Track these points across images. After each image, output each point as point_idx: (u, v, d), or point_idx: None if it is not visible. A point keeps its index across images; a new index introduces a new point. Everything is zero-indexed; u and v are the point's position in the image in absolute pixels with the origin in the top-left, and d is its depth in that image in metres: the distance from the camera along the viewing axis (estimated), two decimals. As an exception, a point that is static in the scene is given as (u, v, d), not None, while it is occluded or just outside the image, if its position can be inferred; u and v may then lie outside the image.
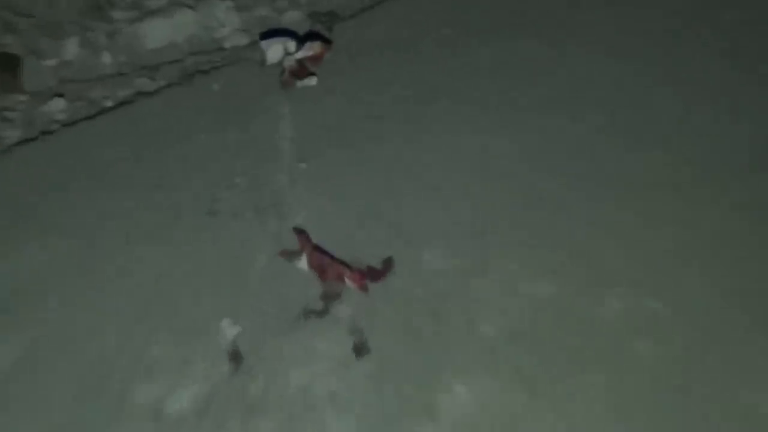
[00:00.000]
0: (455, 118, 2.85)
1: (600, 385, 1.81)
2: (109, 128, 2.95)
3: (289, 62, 3.24)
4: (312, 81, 3.16)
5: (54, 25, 3.49)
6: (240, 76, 3.26)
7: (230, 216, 2.44)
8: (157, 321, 2.07)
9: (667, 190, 2.40)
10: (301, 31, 3.54)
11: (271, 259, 2.24)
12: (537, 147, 2.65)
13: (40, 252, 2.34)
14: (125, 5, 3.67)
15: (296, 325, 2.02)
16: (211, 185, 2.58)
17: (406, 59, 3.28)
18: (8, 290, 2.20)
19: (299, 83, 3.14)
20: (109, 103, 3.12)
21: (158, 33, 3.49)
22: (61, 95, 3.16)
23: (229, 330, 2.01)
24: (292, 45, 3.29)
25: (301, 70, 3.20)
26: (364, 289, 2.10)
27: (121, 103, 3.11)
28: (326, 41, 3.39)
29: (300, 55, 3.26)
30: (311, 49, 3.27)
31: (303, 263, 2.19)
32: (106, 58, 3.41)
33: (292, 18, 3.71)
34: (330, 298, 2.09)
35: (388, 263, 2.19)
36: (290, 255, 2.22)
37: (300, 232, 2.31)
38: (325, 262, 2.17)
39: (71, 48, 3.41)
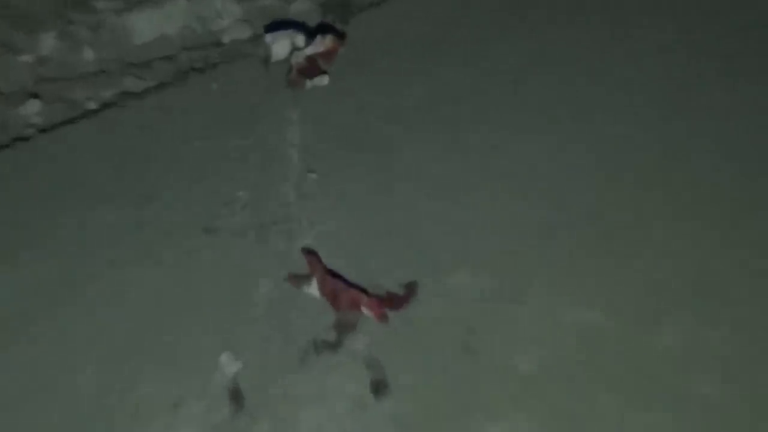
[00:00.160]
0: (483, 122, 2.85)
1: (656, 428, 1.78)
2: (91, 134, 2.95)
3: (298, 59, 3.23)
4: (323, 80, 3.15)
5: (30, 16, 3.48)
6: (241, 74, 3.25)
7: (230, 235, 2.44)
8: (146, 355, 2.05)
9: (743, 204, 2.40)
10: (312, 23, 3.54)
11: (277, 285, 2.23)
12: (576, 155, 2.64)
13: (10, 276, 2.32)
14: (110, -6, 3.69)
15: (306, 360, 2.01)
16: (208, 199, 2.57)
17: (428, 57, 3.28)
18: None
19: (309, 83, 3.14)
20: (91, 105, 3.11)
21: (147, 25, 3.49)
22: (36, 96, 3.14)
23: (229, 366, 2.00)
24: (300, 39, 3.29)
25: (311, 67, 3.20)
26: (383, 318, 2.08)
27: (106, 105, 3.11)
28: (339, 35, 3.38)
29: (310, 50, 3.25)
30: (322, 44, 3.26)
31: (313, 289, 2.18)
32: (89, 54, 3.39)
33: (301, 8, 3.70)
34: (344, 328, 2.08)
35: (410, 288, 2.18)
36: (299, 280, 2.21)
37: (309, 253, 2.31)
38: (338, 287, 2.16)
39: (49, 42, 3.40)
